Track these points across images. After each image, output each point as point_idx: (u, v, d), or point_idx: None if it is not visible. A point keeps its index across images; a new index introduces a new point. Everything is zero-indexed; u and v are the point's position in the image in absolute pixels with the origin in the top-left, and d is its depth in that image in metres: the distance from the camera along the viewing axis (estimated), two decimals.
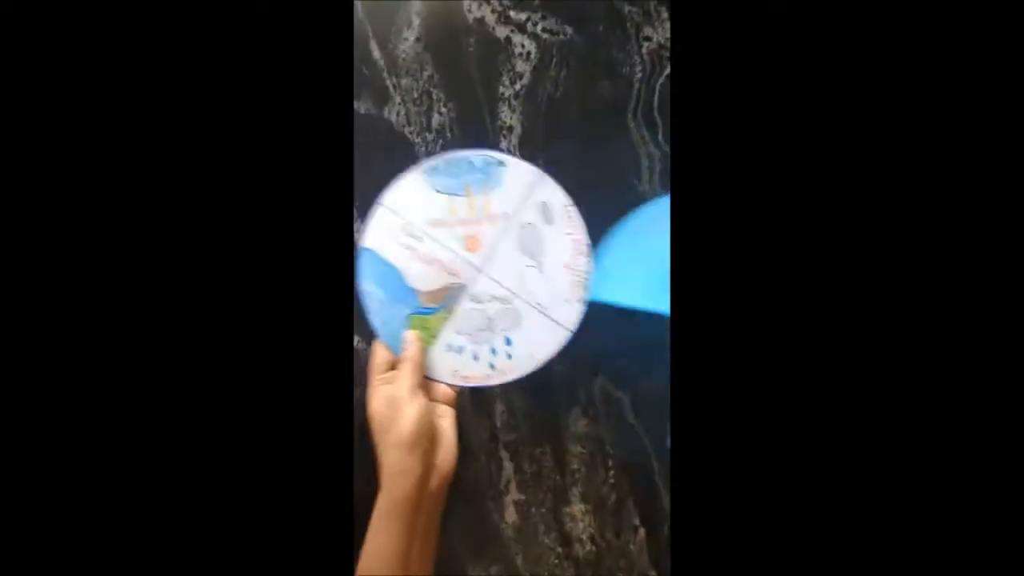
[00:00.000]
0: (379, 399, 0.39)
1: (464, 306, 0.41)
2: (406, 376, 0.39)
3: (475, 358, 0.42)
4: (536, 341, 0.41)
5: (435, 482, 0.40)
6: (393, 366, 0.41)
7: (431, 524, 0.40)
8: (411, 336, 0.41)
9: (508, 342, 0.41)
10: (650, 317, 0.36)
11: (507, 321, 0.41)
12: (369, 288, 0.41)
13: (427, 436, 0.38)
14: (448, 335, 0.41)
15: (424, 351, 0.41)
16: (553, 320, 0.41)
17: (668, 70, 0.42)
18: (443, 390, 0.41)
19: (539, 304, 0.41)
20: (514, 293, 0.41)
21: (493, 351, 0.41)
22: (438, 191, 0.41)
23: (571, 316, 0.41)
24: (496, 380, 0.42)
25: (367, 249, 0.41)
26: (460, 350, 0.41)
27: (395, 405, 0.38)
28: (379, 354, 0.41)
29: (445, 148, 0.43)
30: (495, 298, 0.41)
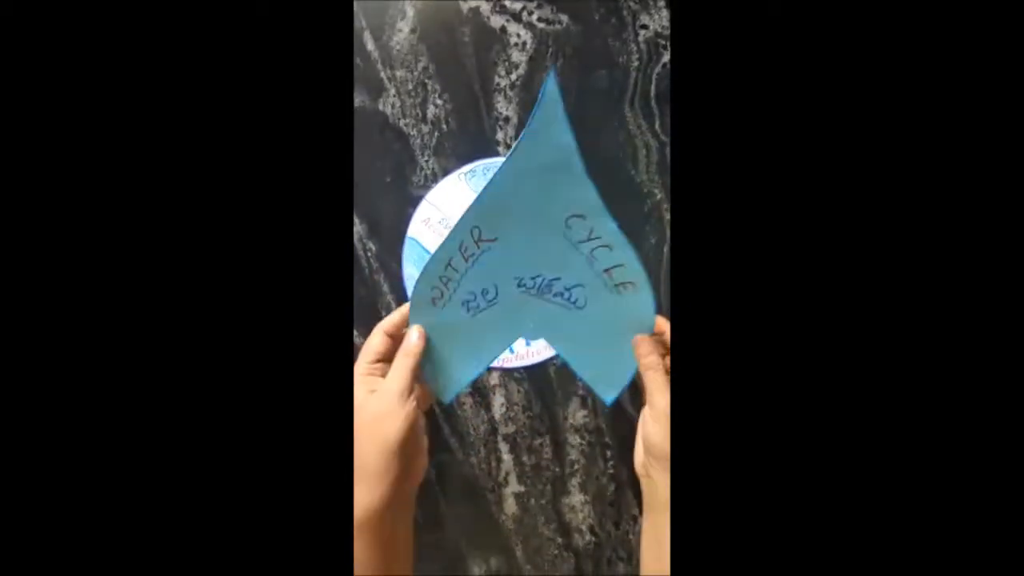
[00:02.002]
0: (365, 392, 0.36)
1: None
2: (401, 374, 0.36)
3: None
4: None
5: (408, 488, 0.38)
6: (384, 356, 0.38)
7: (406, 532, 0.38)
8: (416, 332, 0.38)
9: None
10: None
11: None
12: (410, 272, 0.46)
13: (412, 442, 0.36)
14: None
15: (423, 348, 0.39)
16: None
17: (665, 59, 0.42)
18: (423, 393, 0.39)
19: None
20: None
21: None
22: (474, 191, 0.44)
23: None
24: (514, 363, 0.44)
25: (411, 238, 0.45)
26: None
27: (385, 404, 0.35)
28: (374, 339, 0.38)
29: (441, 140, 0.43)
30: None
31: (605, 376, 0.40)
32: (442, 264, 0.39)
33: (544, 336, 0.41)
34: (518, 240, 0.39)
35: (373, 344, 0.38)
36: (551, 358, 0.44)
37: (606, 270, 0.39)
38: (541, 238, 0.38)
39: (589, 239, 0.38)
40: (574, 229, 0.38)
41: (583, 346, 0.40)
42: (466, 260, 0.39)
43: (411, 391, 0.36)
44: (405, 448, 0.35)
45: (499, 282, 0.40)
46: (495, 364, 0.44)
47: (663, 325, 0.39)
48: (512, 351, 0.44)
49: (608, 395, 0.41)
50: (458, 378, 0.41)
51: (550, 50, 0.42)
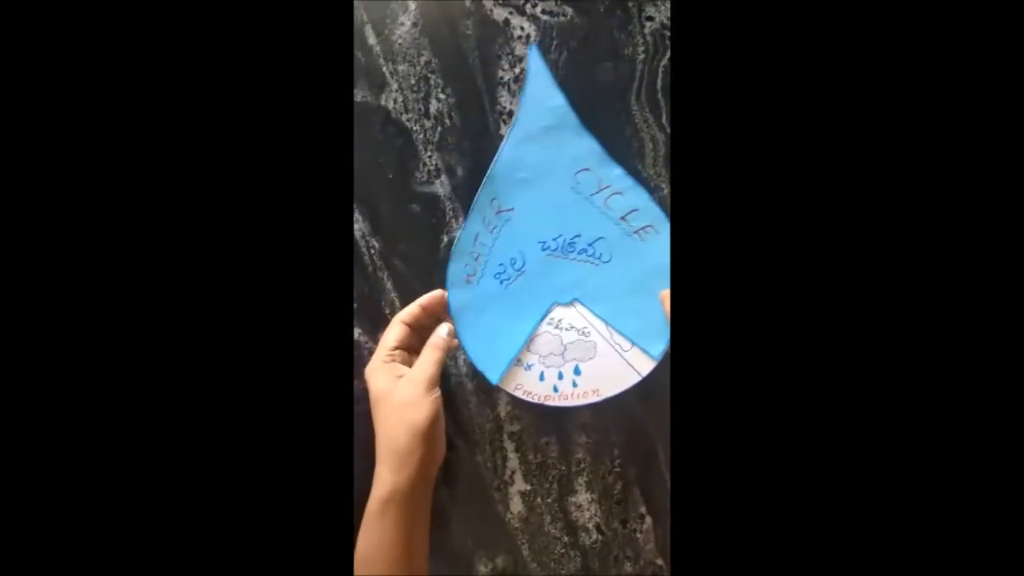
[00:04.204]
0: (390, 378, 0.38)
1: (542, 329, 0.42)
2: (430, 365, 0.39)
3: (541, 378, 0.42)
4: (605, 377, 0.41)
5: (431, 471, 0.40)
6: (403, 344, 0.40)
7: (426, 513, 0.41)
8: (446, 328, 0.40)
9: (577, 371, 0.42)
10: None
11: (581, 352, 0.41)
12: None
13: (436, 428, 0.39)
14: (522, 353, 0.42)
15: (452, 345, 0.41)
16: (628, 363, 0.41)
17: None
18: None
19: (619, 345, 0.41)
20: (596, 329, 0.41)
21: (560, 375, 0.42)
22: None
23: (646, 362, 0.41)
24: (554, 402, 0.42)
25: None
26: (529, 367, 0.42)
27: (413, 391, 0.37)
28: (393, 329, 0.40)
29: (444, 135, 0.43)
30: (573, 327, 0.41)
31: (646, 329, 0.40)
32: (470, 241, 0.40)
33: (578, 296, 0.40)
34: (534, 204, 0.39)
35: (392, 333, 0.40)
36: (595, 402, 0.42)
37: (622, 217, 0.39)
38: (554, 198, 0.39)
39: (600, 190, 0.39)
40: (583, 183, 0.39)
41: (618, 301, 0.40)
42: (491, 232, 0.40)
43: (437, 382, 0.39)
44: (431, 433, 0.38)
45: (524, 249, 0.40)
46: (540, 402, 0.42)
47: None
48: (556, 391, 0.42)
49: (654, 349, 0.40)
50: (502, 354, 0.41)
51: (554, 42, 0.41)
